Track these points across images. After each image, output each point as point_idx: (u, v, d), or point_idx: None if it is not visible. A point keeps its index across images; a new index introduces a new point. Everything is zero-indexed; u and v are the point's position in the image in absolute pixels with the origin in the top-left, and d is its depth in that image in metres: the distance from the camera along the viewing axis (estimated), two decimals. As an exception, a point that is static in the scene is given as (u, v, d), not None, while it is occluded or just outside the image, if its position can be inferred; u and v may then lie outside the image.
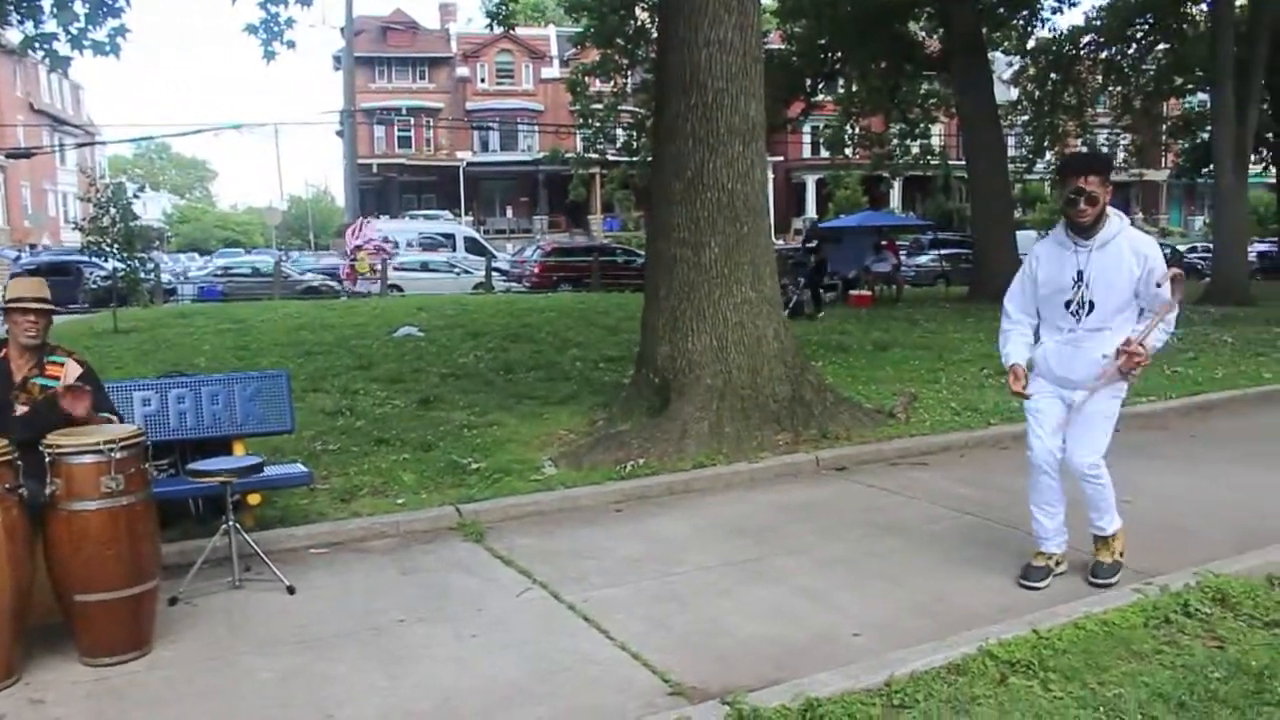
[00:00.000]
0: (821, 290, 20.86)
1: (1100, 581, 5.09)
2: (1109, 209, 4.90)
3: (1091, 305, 4.89)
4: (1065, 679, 3.87)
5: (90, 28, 9.09)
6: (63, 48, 9.05)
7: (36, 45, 9.09)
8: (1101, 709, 3.63)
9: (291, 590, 5.28)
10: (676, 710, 3.72)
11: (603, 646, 4.54)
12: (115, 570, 4.40)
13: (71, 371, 4.97)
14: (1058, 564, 5.26)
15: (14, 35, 10.73)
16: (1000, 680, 3.88)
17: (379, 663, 4.41)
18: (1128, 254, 4.82)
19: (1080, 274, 4.89)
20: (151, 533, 4.63)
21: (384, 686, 4.17)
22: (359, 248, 28.81)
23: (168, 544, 5.36)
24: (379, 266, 28.17)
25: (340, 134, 36.04)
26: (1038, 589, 5.07)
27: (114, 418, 4.99)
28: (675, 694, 4.02)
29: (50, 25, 9.09)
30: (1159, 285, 4.73)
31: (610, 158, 28.79)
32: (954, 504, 6.72)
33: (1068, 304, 4.95)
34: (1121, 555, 5.24)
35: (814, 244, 23.80)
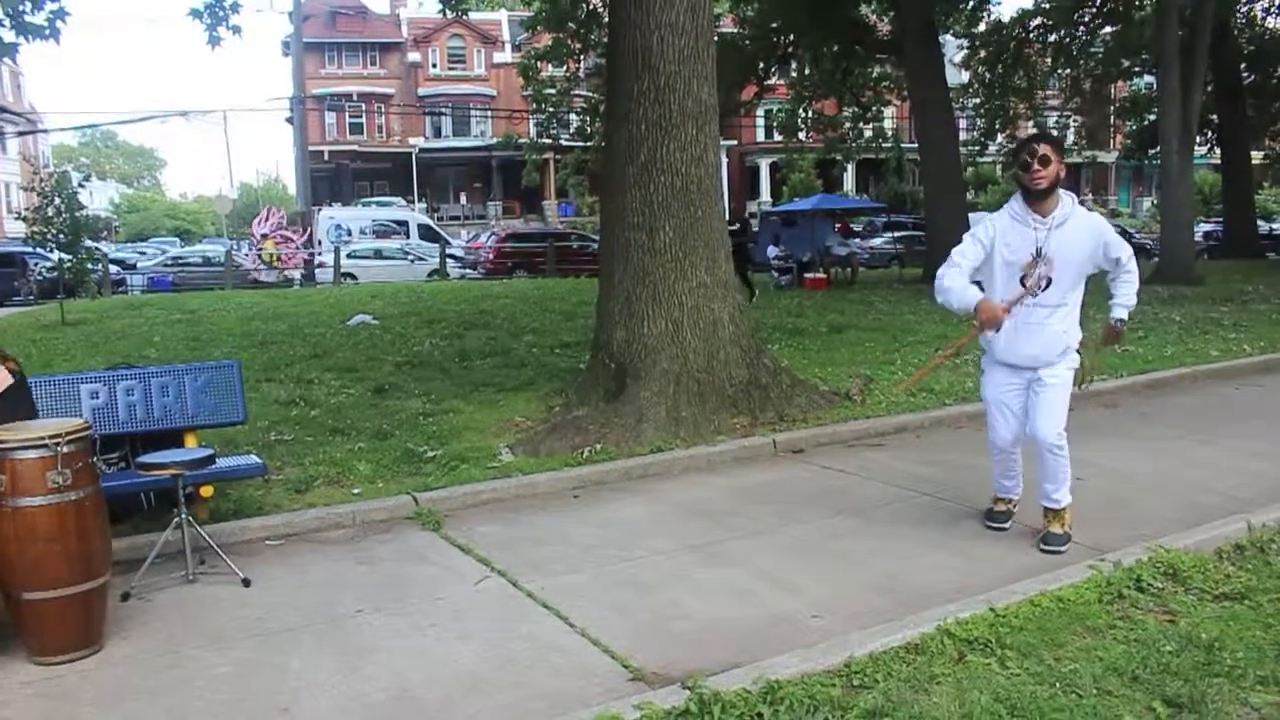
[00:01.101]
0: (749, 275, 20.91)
1: (1051, 549, 5.28)
2: (1060, 190, 5.03)
3: (1049, 281, 5.02)
4: (1022, 655, 3.91)
5: (28, 11, 8.87)
6: (6, 34, 8.84)
7: None
8: (1058, 684, 3.67)
9: (247, 583, 5.21)
10: (638, 696, 3.72)
11: (563, 634, 4.52)
12: (64, 567, 4.32)
13: (1, 381, 4.84)
14: (1014, 507, 5.77)
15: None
16: (959, 659, 3.92)
17: (336, 655, 4.37)
18: (1084, 232, 5.01)
19: (1039, 250, 5.00)
20: (101, 528, 4.55)
21: (341, 678, 4.13)
22: (265, 236, 28.57)
23: (119, 539, 5.28)
24: (283, 256, 27.95)
25: (290, 121, 35.52)
26: (1005, 528, 5.67)
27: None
28: (636, 679, 4.02)
29: None
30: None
31: (564, 143, 28.70)
32: (910, 484, 6.77)
33: (1023, 280, 5.05)
34: (1070, 528, 5.39)
35: (736, 226, 23.93)
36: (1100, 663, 3.82)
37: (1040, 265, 5.02)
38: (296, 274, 28.96)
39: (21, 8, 8.65)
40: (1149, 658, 3.83)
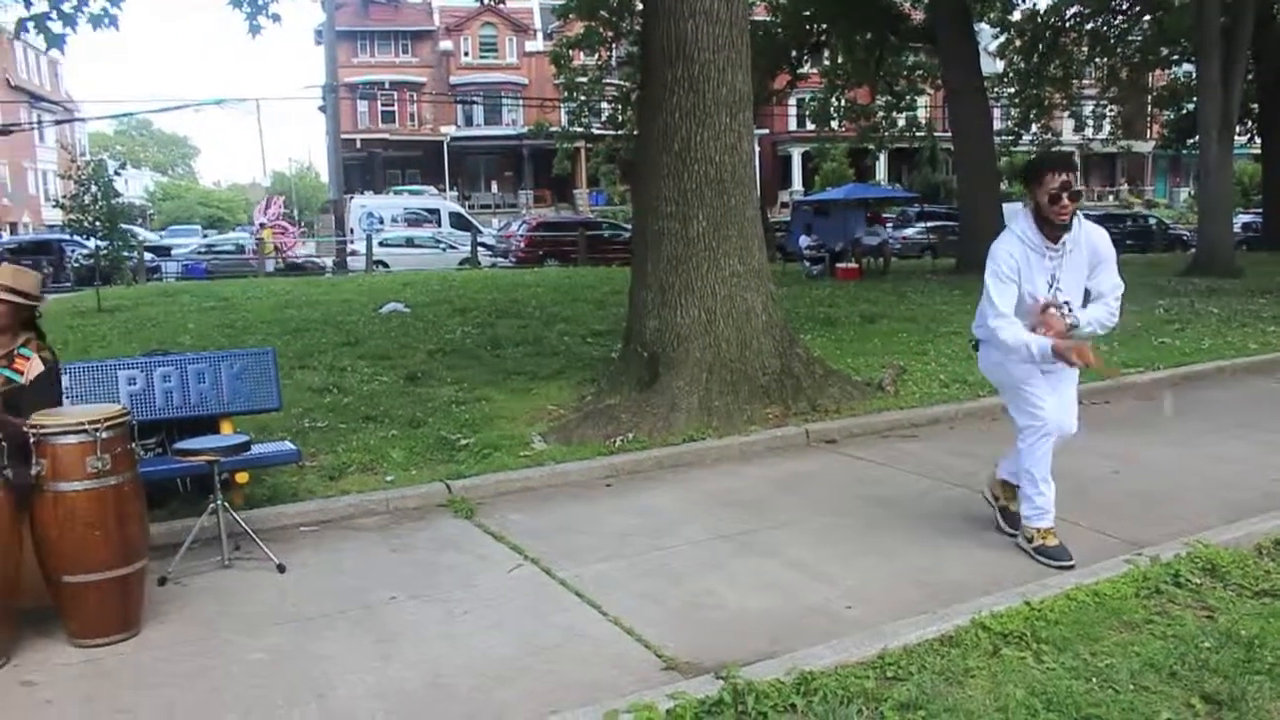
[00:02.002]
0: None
1: (1015, 531, 5.27)
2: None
3: (1067, 306, 4.89)
4: (1058, 650, 3.88)
5: (85, 2, 9.06)
6: (55, 25, 8.99)
7: (31, 26, 9.02)
8: (1094, 679, 3.64)
9: (281, 569, 5.25)
10: (671, 685, 3.71)
11: (595, 622, 4.53)
12: (103, 551, 4.37)
13: (34, 368, 4.87)
14: None
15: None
16: (993, 652, 3.89)
17: (370, 641, 4.40)
18: (1087, 253, 4.88)
19: (1054, 278, 4.87)
20: (139, 513, 4.60)
21: (375, 665, 4.16)
22: (263, 225, 28.63)
23: (156, 524, 5.33)
24: (281, 246, 28.04)
25: (323, 109, 35.67)
26: (1072, 564, 4.88)
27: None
28: (669, 669, 4.02)
29: (40, 5, 9.03)
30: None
31: (595, 131, 28.68)
32: (944, 476, 6.73)
33: (1045, 309, 4.86)
34: None
35: None
36: (1137, 658, 3.78)
37: (1055, 293, 4.88)
38: (328, 261, 29.10)
39: (75, 2, 8.85)
40: (1187, 654, 3.79)
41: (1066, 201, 4.69)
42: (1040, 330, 4.80)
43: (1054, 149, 32.10)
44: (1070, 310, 4.87)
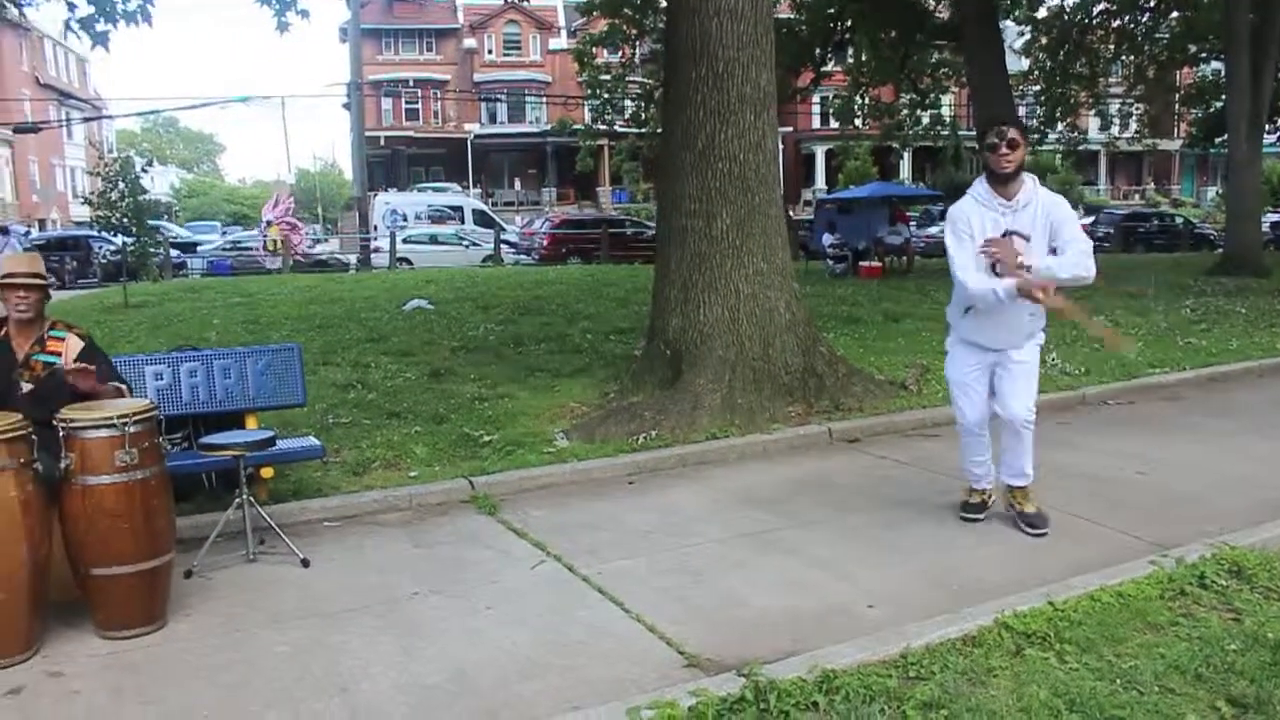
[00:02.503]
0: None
1: (1038, 532, 5.43)
2: (1025, 174, 5.10)
3: (1020, 265, 5.01)
4: (1081, 650, 3.86)
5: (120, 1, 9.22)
6: (99, 24, 9.18)
7: (75, 27, 9.20)
8: (1118, 680, 3.62)
9: (306, 563, 5.29)
10: (693, 682, 3.72)
11: (618, 619, 4.54)
12: (130, 544, 4.41)
13: (73, 346, 4.95)
14: (990, 498, 5.75)
15: (30, 13, 10.89)
16: (1016, 652, 3.88)
17: (394, 635, 4.43)
18: (1043, 214, 5.05)
19: (1008, 234, 5.05)
20: (166, 506, 4.64)
21: (399, 659, 4.19)
22: (270, 222, 28.63)
23: (182, 518, 5.36)
24: (288, 243, 28.05)
25: (347, 107, 35.83)
26: (979, 519, 5.68)
27: (123, 387, 4.98)
28: (691, 666, 4.03)
29: (84, 8, 9.22)
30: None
31: (618, 129, 28.63)
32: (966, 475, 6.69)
33: (994, 266, 5.06)
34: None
35: None
36: (1162, 660, 3.76)
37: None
38: (352, 258, 29.18)
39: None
40: (1213, 656, 3.77)
41: (1005, 149, 4.96)
42: (1000, 269, 5.02)
43: (1080, 147, 31.96)
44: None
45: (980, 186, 5.19)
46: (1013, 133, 4.98)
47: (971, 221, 5.13)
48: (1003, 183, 5.07)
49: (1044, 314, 5.28)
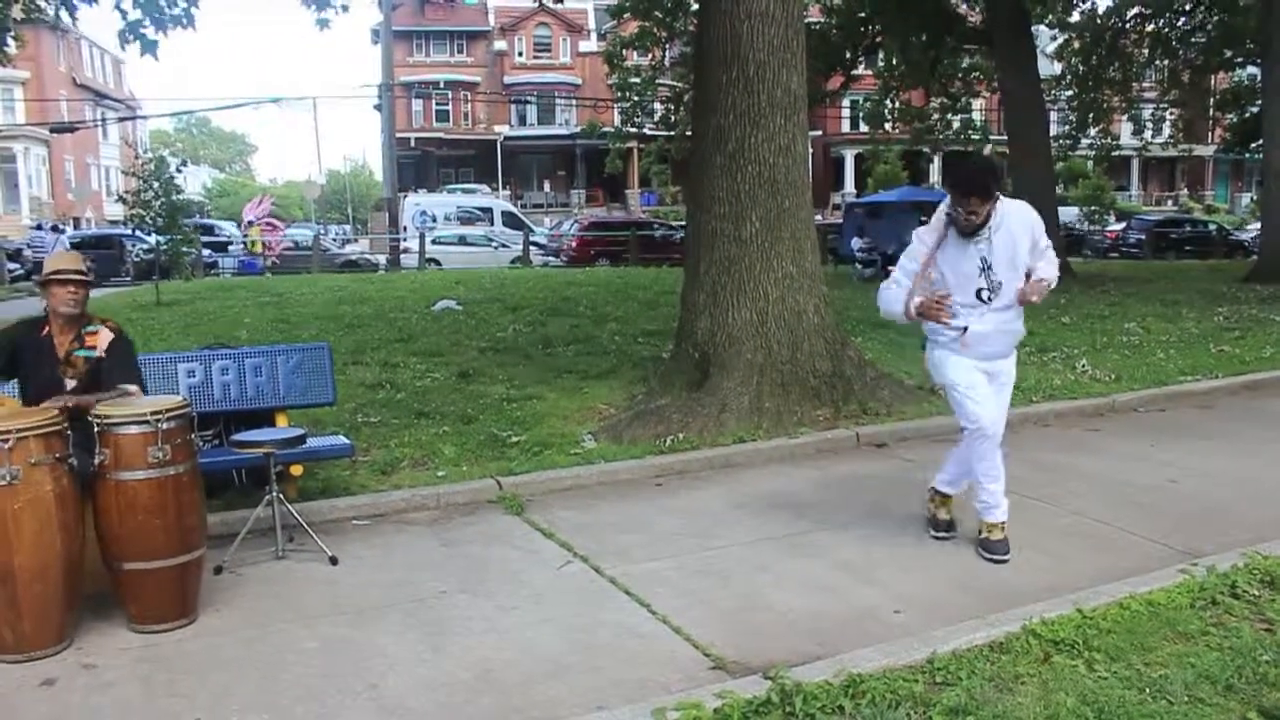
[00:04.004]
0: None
1: (939, 535, 5.55)
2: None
3: (1000, 285, 5.06)
4: (1110, 659, 3.83)
5: (167, 6, 9.38)
6: (149, 32, 9.35)
7: (129, 35, 9.36)
8: (1147, 689, 3.59)
9: (334, 561, 5.33)
10: (718, 685, 3.72)
11: (644, 620, 4.55)
12: (162, 539, 4.46)
13: (104, 338, 5.04)
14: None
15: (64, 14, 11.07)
16: (1044, 659, 3.86)
17: (421, 633, 4.45)
18: (1019, 232, 5.04)
19: (984, 260, 5.04)
20: (197, 502, 4.69)
21: (426, 657, 4.21)
22: (251, 223, 28.72)
23: (212, 514, 5.41)
24: (267, 244, 28.14)
25: (378, 108, 36.03)
26: (1008, 559, 5.18)
27: (131, 389, 5.01)
28: (717, 668, 4.03)
29: (133, 13, 9.37)
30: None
31: (648, 132, 28.67)
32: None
33: (979, 292, 5.08)
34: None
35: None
36: (1192, 669, 3.72)
37: (989, 274, 5.05)
38: (381, 258, 29.30)
39: (161, 6, 9.20)
40: (1244, 666, 3.72)
41: (966, 219, 4.94)
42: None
43: (1112, 152, 31.63)
44: (1000, 290, 5.04)
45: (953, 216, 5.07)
46: (972, 204, 4.89)
47: (945, 250, 5.08)
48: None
49: (1022, 327, 5.34)
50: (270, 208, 30.39)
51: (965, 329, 5.11)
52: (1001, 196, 5.10)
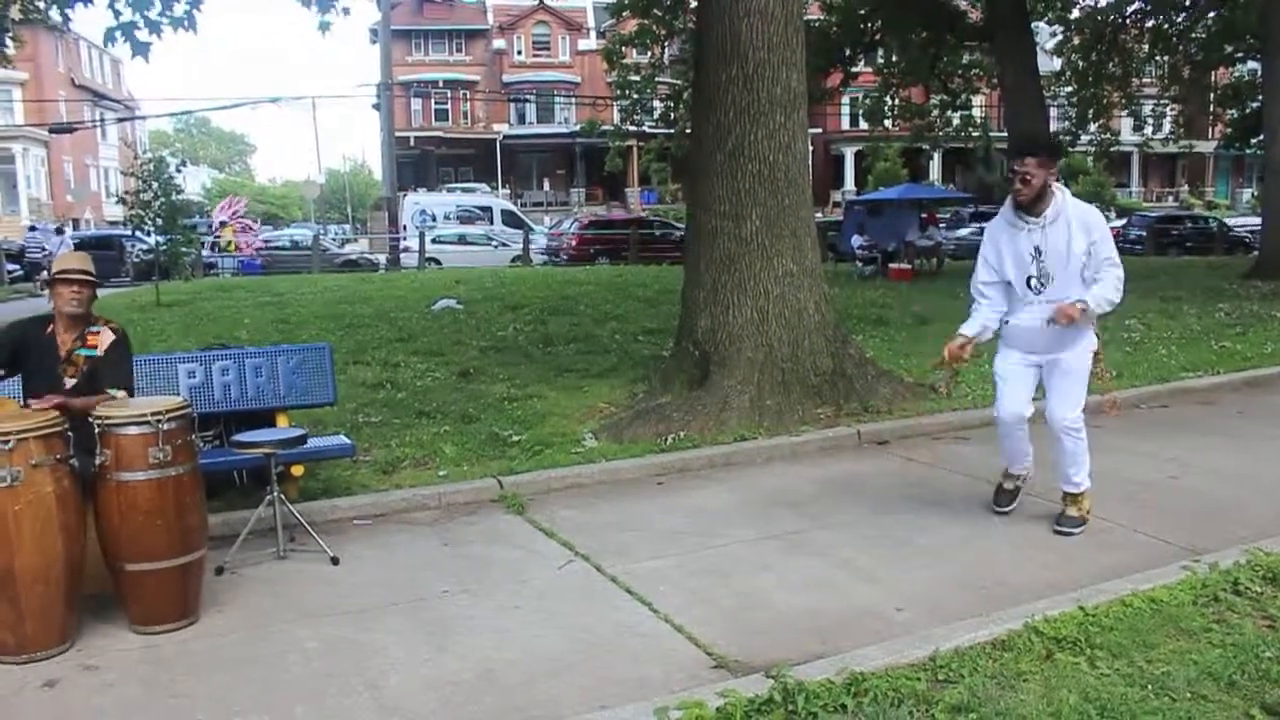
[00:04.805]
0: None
1: (1064, 530, 5.44)
2: (1054, 186, 5.18)
3: (1050, 277, 5.19)
4: (1112, 656, 3.83)
5: (167, 8, 9.32)
6: (141, 34, 9.28)
7: (119, 34, 9.29)
8: (1149, 686, 3.58)
9: (335, 561, 5.33)
10: (721, 683, 3.72)
11: (645, 619, 4.55)
12: (163, 540, 4.46)
13: (105, 338, 5.05)
14: (1024, 481, 5.87)
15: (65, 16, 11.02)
16: (1046, 656, 3.85)
17: (423, 633, 4.45)
18: (1076, 228, 5.13)
19: (1038, 249, 5.19)
20: (198, 503, 4.69)
21: (427, 656, 4.21)
22: (224, 223, 28.66)
23: (213, 514, 5.41)
24: (240, 244, 28.10)
25: (377, 107, 36.07)
26: (1007, 511, 5.79)
27: (118, 394, 4.96)
28: (718, 667, 4.03)
29: (127, 14, 9.31)
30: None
31: (647, 130, 28.65)
32: (995, 479, 6.64)
33: (1029, 280, 5.25)
34: (1089, 513, 5.50)
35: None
36: (1194, 666, 3.71)
37: (1040, 263, 5.20)
38: (381, 258, 29.28)
39: (159, 7, 9.13)
40: (1247, 663, 3.72)
41: (1019, 185, 5.13)
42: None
43: (1112, 148, 31.61)
44: (1049, 282, 5.20)
45: (1008, 208, 5.33)
46: (1028, 167, 5.08)
47: (1000, 243, 5.36)
48: (1025, 207, 5.20)
49: (1089, 322, 5.32)
50: (243, 209, 30.36)
51: (1006, 321, 5.42)
52: (1065, 190, 5.26)
